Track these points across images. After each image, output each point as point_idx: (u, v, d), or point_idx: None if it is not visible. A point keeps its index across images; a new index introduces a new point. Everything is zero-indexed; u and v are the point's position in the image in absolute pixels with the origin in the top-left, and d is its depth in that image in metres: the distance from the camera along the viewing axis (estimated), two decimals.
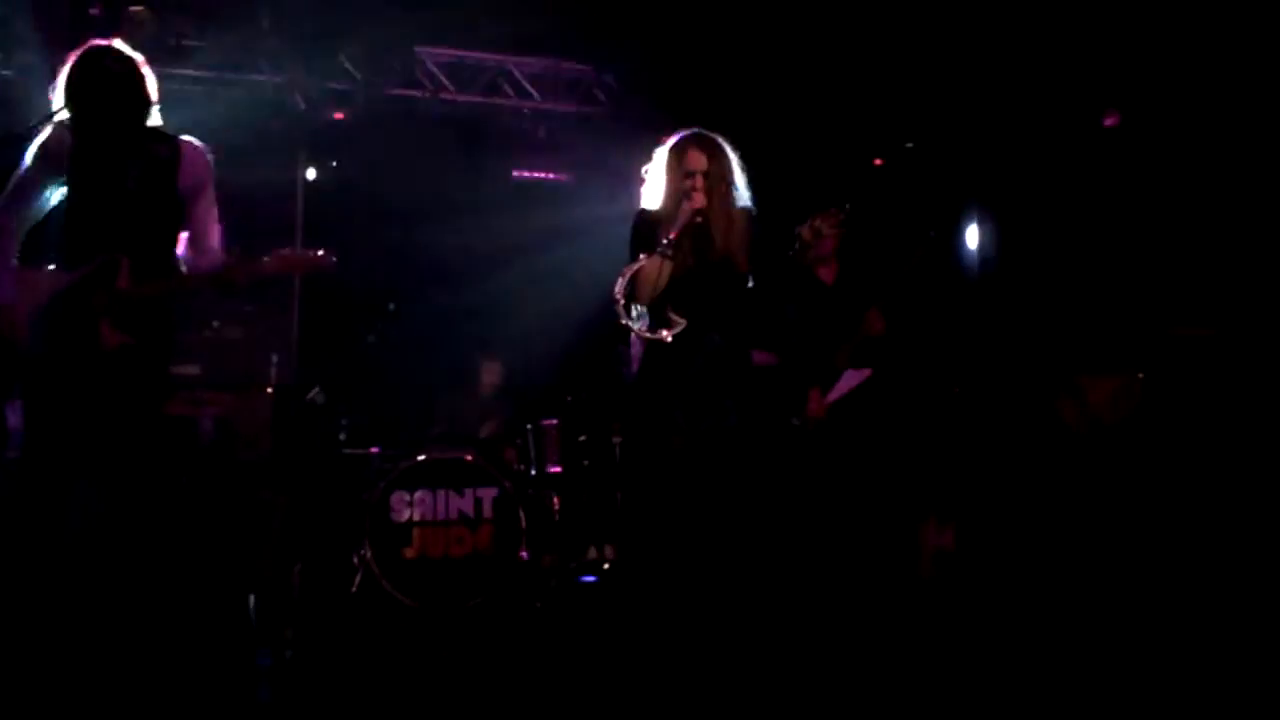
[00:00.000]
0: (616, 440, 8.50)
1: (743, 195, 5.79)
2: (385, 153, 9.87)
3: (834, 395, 7.44)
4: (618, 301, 5.47)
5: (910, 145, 9.32)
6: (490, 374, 9.71)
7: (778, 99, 9.40)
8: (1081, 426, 7.95)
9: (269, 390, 7.78)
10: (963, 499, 8.05)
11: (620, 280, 5.49)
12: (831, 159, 9.52)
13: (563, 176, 10.99)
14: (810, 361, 7.51)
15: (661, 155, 5.82)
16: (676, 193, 5.72)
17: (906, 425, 7.97)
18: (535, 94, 10.57)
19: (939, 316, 8.66)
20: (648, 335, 5.56)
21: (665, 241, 5.58)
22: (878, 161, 9.66)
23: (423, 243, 10.13)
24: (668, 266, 5.62)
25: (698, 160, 5.74)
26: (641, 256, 5.59)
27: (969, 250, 9.77)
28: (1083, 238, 8.86)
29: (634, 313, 5.58)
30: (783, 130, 9.11)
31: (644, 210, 5.83)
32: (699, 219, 5.67)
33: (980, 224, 9.75)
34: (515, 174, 10.88)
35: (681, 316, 5.60)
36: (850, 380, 7.48)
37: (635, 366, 5.79)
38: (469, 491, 8.15)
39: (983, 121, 9.12)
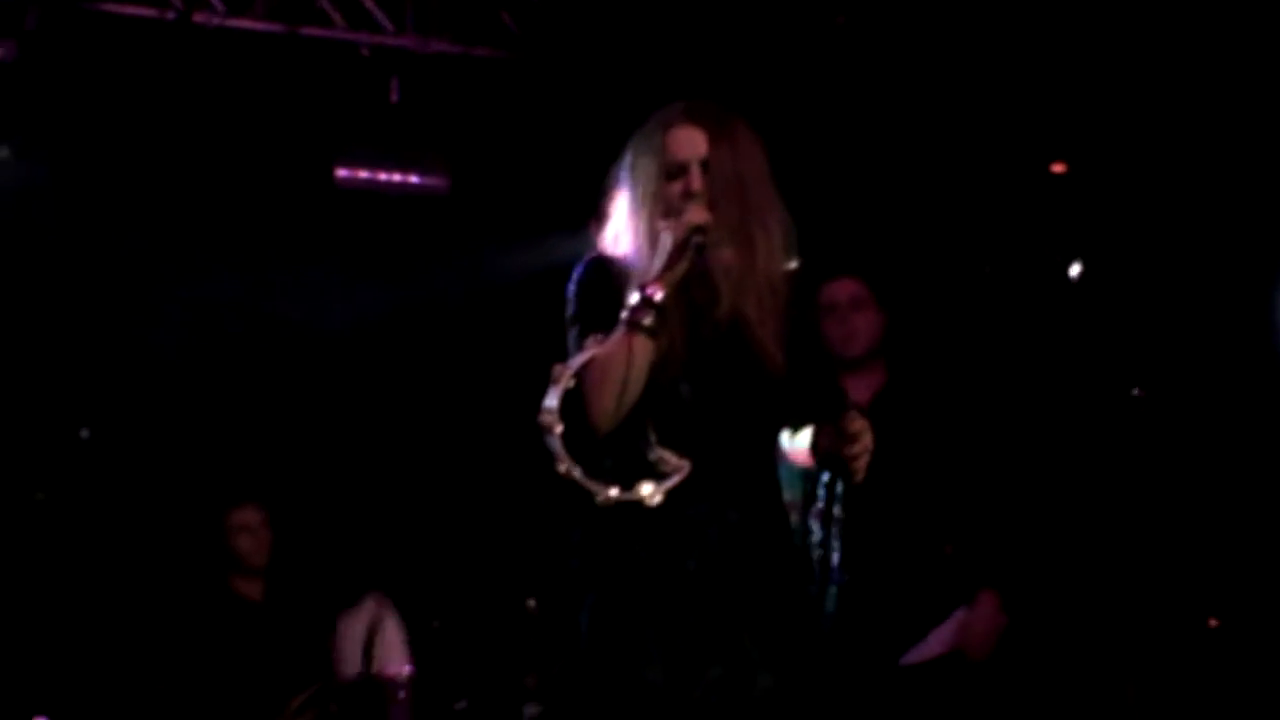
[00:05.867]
0: (531, 714, 5.10)
1: (779, 213, 3.12)
2: (89, 127, 5.68)
3: (923, 653, 4.47)
4: (549, 430, 2.78)
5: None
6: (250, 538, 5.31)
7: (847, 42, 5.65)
8: None
9: None
10: None
11: (555, 389, 2.82)
12: (961, 157, 5.68)
13: (434, 180, 5.99)
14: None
15: (635, 150, 3.14)
16: (659, 209, 3.05)
17: None
18: (385, 19, 5.80)
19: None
20: (612, 497, 2.85)
21: (642, 299, 2.92)
22: (1059, 168, 5.65)
23: (158, 298, 5.91)
24: (646, 350, 2.94)
25: (691, 143, 3.05)
26: (590, 341, 2.92)
27: None
28: None
29: (579, 452, 2.85)
30: (860, 103, 5.68)
31: (600, 258, 3.14)
32: (700, 240, 2.95)
33: None
34: (341, 173, 5.89)
35: (679, 454, 2.96)
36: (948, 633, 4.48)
37: (579, 561, 3.10)
38: None
39: None
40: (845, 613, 4.48)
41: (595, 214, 3.22)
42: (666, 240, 2.99)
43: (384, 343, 6.09)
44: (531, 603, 5.17)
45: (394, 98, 5.85)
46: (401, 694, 5.02)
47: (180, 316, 5.80)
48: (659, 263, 2.98)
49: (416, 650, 5.19)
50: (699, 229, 2.96)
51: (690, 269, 2.96)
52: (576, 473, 2.84)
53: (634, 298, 2.97)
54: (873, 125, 5.85)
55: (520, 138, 6.03)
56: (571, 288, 3.14)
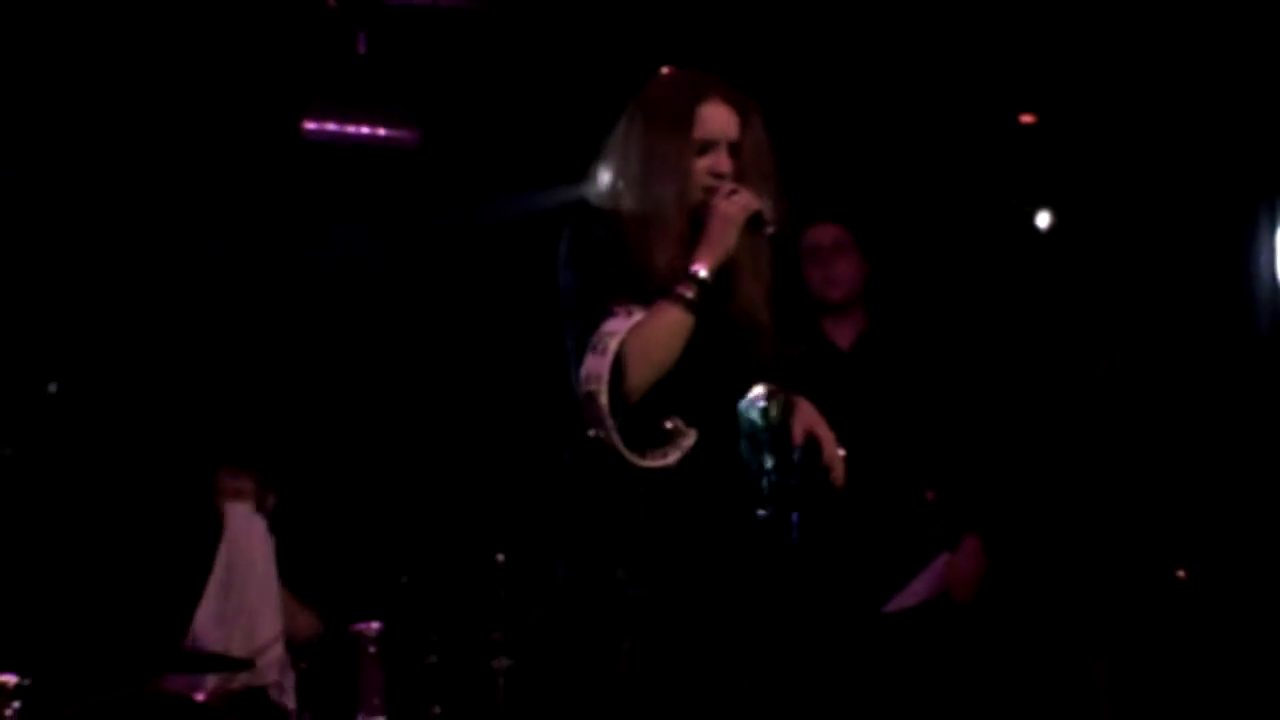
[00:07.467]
0: (500, 667, 5.09)
1: (780, 199, 3.16)
2: (52, 80, 5.56)
3: (906, 600, 4.53)
4: (595, 398, 2.94)
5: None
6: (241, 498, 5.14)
7: None
8: None
9: None
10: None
11: (600, 356, 2.95)
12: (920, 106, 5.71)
13: (402, 133, 5.95)
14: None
15: (655, 114, 3.12)
16: (683, 181, 3.03)
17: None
18: None
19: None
20: (646, 464, 2.98)
21: (688, 275, 2.98)
22: (1028, 118, 5.61)
23: (122, 250, 5.85)
24: (687, 325, 2.98)
25: (725, 124, 3.09)
26: (620, 310, 3.00)
27: None
28: None
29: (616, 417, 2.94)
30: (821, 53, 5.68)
31: (592, 215, 3.13)
32: (772, 229, 3.07)
33: None
34: (309, 126, 5.84)
35: (686, 422, 3.04)
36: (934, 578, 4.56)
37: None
38: None
39: None
40: (825, 557, 4.42)
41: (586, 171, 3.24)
42: (719, 219, 3.04)
43: (350, 298, 6.08)
44: (500, 557, 5.19)
45: (361, 50, 5.80)
46: (371, 648, 5.03)
47: (145, 268, 5.79)
48: (713, 240, 3.03)
49: (386, 605, 5.20)
50: (758, 215, 3.04)
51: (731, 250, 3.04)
52: (616, 439, 2.95)
53: (690, 271, 3.00)
54: (850, 76, 5.81)
55: (490, 90, 5.98)
56: (566, 246, 3.12)
